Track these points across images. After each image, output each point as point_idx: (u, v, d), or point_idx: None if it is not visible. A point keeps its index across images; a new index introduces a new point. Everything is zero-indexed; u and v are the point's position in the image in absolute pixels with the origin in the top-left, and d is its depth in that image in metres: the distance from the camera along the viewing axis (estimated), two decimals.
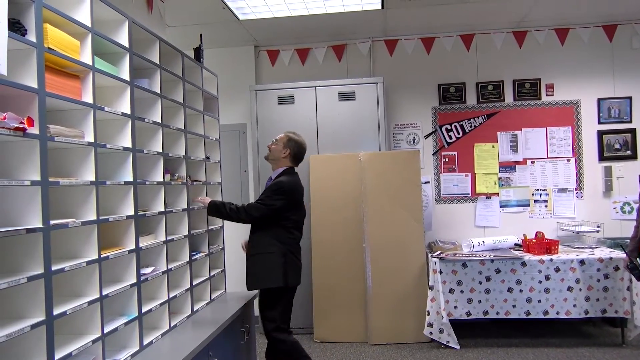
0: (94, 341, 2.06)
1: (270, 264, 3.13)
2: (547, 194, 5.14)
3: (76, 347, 1.95)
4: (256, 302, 3.40)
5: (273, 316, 3.15)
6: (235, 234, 4.06)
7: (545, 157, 5.14)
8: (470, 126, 5.22)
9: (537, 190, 5.15)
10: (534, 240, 4.42)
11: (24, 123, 1.70)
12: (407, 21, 4.89)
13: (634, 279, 3.98)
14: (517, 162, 5.17)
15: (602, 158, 5.08)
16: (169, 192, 2.96)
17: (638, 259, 3.41)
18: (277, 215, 3.13)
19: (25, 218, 1.77)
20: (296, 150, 3.30)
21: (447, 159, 5.25)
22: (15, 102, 1.77)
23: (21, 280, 1.67)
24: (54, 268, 1.84)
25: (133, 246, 2.41)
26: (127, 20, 2.46)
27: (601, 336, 4.42)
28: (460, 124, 5.23)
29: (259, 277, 3.16)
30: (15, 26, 1.73)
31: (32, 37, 1.79)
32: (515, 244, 4.57)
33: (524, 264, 4.16)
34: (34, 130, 1.77)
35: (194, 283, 3.13)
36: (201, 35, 3.84)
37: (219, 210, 3.14)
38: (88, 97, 2.14)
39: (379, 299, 4.42)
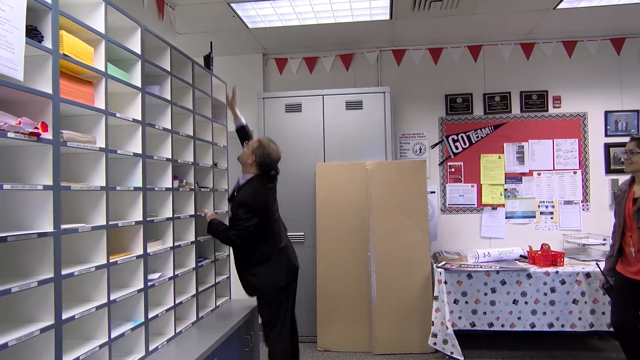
0: (100, 346, 2.07)
1: (259, 272, 3.09)
2: (553, 206, 5.12)
3: (83, 351, 1.96)
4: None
5: (267, 320, 3.13)
6: None
7: (552, 169, 5.14)
8: (477, 137, 5.22)
9: (543, 202, 5.14)
10: (539, 252, 4.41)
11: (38, 128, 1.72)
12: (415, 32, 4.91)
13: None
14: (524, 174, 5.16)
15: (608, 171, 5.07)
16: (177, 198, 2.98)
17: (614, 278, 3.35)
18: (256, 232, 3.04)
19: (37, 222, 1.79)
20: (262, 159, 3.08)
21: (453, 169, 5.25)
22: (30, 107, 1.80)
23: (32, 284, 1.69)
24: (63, 272, 1.85)
25: (141, 252, 2.42)
26: (139, 28, 2.49)
27: (606, 350, 4.38)
28: (466, 134, 5.24)
29: (254, 285, 3.14)
30: (32, 33, 1.76)
31: (48, 43, 1.82)
32: (520, 256, 4.56)
33: (529, 275, 4.15)
34: (48, 135, 1.79)
35: (199, 289, 3.13)
36: (211, 43, 3.87)
37: (215, 233, 3.12)
38: (100, 103, 2.17)
39: (384, 308, 4.41)
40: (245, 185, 3.11)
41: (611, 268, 3.35)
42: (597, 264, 3.61)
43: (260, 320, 3.23)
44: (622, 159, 3.37)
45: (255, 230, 3.02)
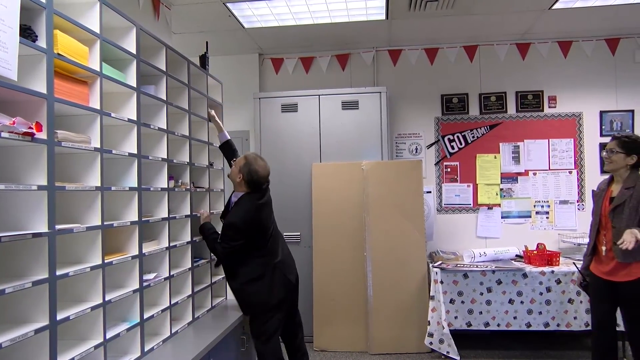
0: (96, 347, 2.06)
1: (253, 291, 3.06)
2: (549, 206, 5.14)
3: (78, 352, 1.95)
4: None
5: (255, 333, 3.12)
6: None
7: (547, 168, 5.15)
8: (473, 137, 5.23)
9: (539, 201, 5.15)
10: (535, 252, 4.42)
11: (32, 128, 1.71)
12: (411, 32, 4.92)
13: None
14: (519, 174, 5.18)
15: (604, 171, 5.04)
16: (173, 198, 2.97)
17: (589, 277, 3.31)
18: (244, 250, 3.03)
19: (31, 222, 1.78)
20: (249, 177, 3.05)
21: (449, 169, 5.26)
22: (24, 107, 1.79)
23: (26, 284, 1.68)
24: (58, 273, 1.84)
25: (136, 252, 2.42)
26: (134, 27, 2.48)
27: None
28: (462, 134, 5.25)
29: (249, 304, 3.12)
30: (27, 32, 1.75)
31: (42, 43, 1.81)
32: (516, 255, 4.56)
33: (525, 275, 4.15)
34: (42, 135, 1.78)
35: (195, 290, 3.13)
36: (207, 42, 3.86)
37: (205, 238, 3.11)
38: (95, 103, 2.16)
39: (380, 308, 4.41)
40: (235, 205, 3.09)
41: (587, 266, 3.33)
42: (574, 262, 3.60)
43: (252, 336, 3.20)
44: (603, 157, 3.36)
45: (245, 248, 3.01)
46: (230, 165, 3.38)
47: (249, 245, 3.03)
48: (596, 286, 3.25)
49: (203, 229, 3.12)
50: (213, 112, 3.51)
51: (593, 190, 3.64)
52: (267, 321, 3.06)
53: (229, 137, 3.55)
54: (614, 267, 3.09)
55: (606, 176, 3.36)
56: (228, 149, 3.52)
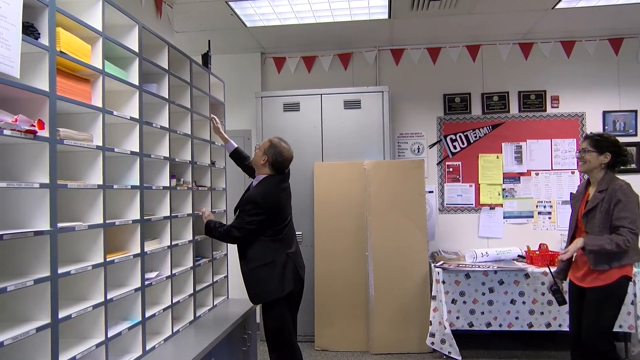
0: (97, 345, 2.06)
1: (263, 277, 2.98)
2: (551, 206, 5.13)
3: (80, 351, 1.95)
4: (259, 308, 3.36)
5: (271, 327, 3.04)
6: None
7: (550, 168, 5.14)
8: (475, 137, 5.22)
9: (541, 201, 5.14)
10: (537, 252, 4.41)
11: (34, 126, 1.71)
12: (414, 31, 4.91)
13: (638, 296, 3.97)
14: (522, 174, 5.17)
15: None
16: (175, 197, 2.97)
17: (564, 281, 3.25)
18: (260, 230, 2.98)
19: (33, 220, 1.78)
20: (274, 159, 3.05)
21: (451, 169, 5.25)
22: (26, 104, 1.78)
23: (28, 282, 1.68)
24: (60, 271, 1.84)
25: (138, 250, 2.41)
26: (137, 25, 2.48)
27: None
28: (465, 134, 5.24)
29: (258, 292, 3.03)
30: (29, 30, 1.75)
31: (44, 40, 1.80)
32: (518, 256, 4.56)
33: (527, 275, 4.15)
34: (44, 133, 1.78)
35: (197, 289, 3.12)
36: (209, 41, 3.86)
37: (211, 232, 3.09)
38: (97, 101, 2.15)
39: (381, 308, 4.40)
40: (257, 185, 3.09)
41: (561, 270, 3.26)
42: (548, 266, 3.46)
43: (264, 328, 3.11)
44: (577, 158, 3.31)
45: (261, 228, 2.96)
46: (244, 168, 3.44)
47: (267, 225, 2.97)
48: (571, 292, 3.20)
49: (209, 225, 3.09)
50: (218, 125, 3.44)
51: (571, 193, 3.59)
52: (283, 312, 3.00)
53: (237, 145, 3.52)
54: (584, 272, 3.02)
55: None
56: (238, 156, 3.49)
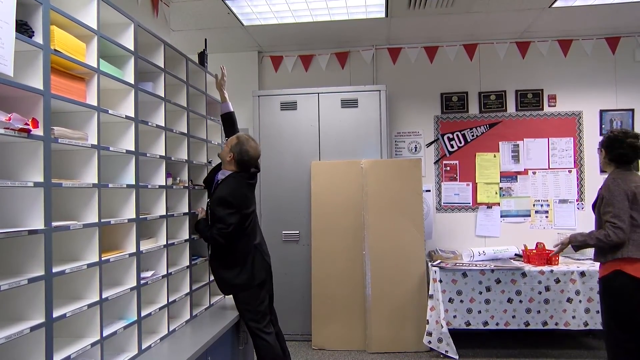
0: (92, 344, 2.05)
1: (231, 270, 3.09)
2: (548, 205, 5.13)
3: (75, 350, 1.94)
4: None
5: (250, 316, 3.14)
6: None
7: (547, 167, 5.14)
8: (472, 135, 5.22)
9: (538, 200, 5.14)
10: (534, 251, 4.41)
11: (28, 124, 1.70)
12: (411, 30, 4.91)
13: None
14: (519, 172, 5.17)
15: (603, 170, 5.06)
16: (171, 196, 2.96)
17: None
18: (237, 230, 3.03)
19: (28, 219, 1.77)
20: (240, 157, 3.06)
21: (448, 168, 5.25)
22: (20, 103, 1.78)
23: (22, 281, 1.67)
24: (54, 270, 1.83)
25: (134, 249, 2.40)
26: (132, 24, 2.47)
27: (601, 348, 4.38)
28: (462, 133, 5.24)
29: (228, 284, 3.14)
30: (23, 28, 1.74)
31: (38, 38, 1.79)
32: (515, 254, 4.56)
33: (524, 274, 4.15)
34: (38, 131, 1.77)
35: (193, 288, 3.12)
36: (206, 40, 3.85)
37: (199, 231, 3.11)
38: (92, 100, 2.14)
39: (379, 307, 4.40)
40: (223, 182, 3.08)
41: (581, 244, 3.31)
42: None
43: (243, 321, 3.22)
44: None
45: (238, 227, 3.01)
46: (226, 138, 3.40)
47: (237, 224, 3.01)
48: None
49: (199, 223, 3.12)
50: (224, 79, 3.43)
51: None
52: (258, 303, 3.12)
53: (232, 110, 3.48)
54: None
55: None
56: (228, 121, 3.47)
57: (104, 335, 2.13)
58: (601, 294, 3.12)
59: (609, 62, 5.10)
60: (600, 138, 4.96)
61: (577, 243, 3.18)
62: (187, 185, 3.10)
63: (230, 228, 2.96)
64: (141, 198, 2.53)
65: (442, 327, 4.10)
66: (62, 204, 2.09)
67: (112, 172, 2.41)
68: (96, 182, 2.12)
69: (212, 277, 3.47)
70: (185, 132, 3.08)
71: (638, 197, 2.96)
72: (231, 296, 3.28)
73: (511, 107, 5.21)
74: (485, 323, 4.17)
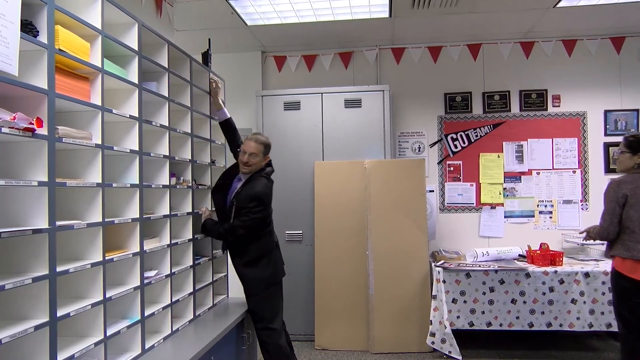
0: (96, 344, 2.05)
1: (260, 268, 3.17)
2: (552, 205, 5.12)
3: (78, 349, 1.94)
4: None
5: (262, 315, 3.19)
6: None
7: (551, 168, 5.13)
8: (476, 136, 5.21)
9: (542, 201, 5.13)
10: (538, 252, 4.40)
11: (33, 124, 1.70)
12: (415, 30, 4.90)
13: None
14: (523, 173, 5.16)
15: (607, 170, 5.06)
16: (174, 195, 2.96)
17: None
18: (258, 226, 3.14)
19: (32, 218, 1.77)
20: (268, 152, 3.27)
21: (452, 168, 5.24)
22: (25, 102, 1.78)
23: (26, 281, 1.67)
24: (58, 269, 1.83)
25: (137, 249, 2.41)
26: (137, 24, 2.47)
27: (605, 350, 4.38)
28: (465, 133, 5.23)
29: (255, 282, 3.18)
30: (28, 27, 1.74)
31: (43, 38, 1.80)
32: (519, 255, 4.55)
33: (528, 275, 4.14)
34: (43, 131, 1.77)
35: (196, 287, 3.12)
36: (209, 39, 3.85)
37: (209, 231, 3.17)
38: (97, 99, 2.15)
39: (382, 307, 4.40)
40: (254, 180, 3.15)
41: (595, 237, 3.44)
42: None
43: (251, 314, 3.26)
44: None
45: (260, 223, 3.11)
46: (232, 144, 3.44)
47: (263, 220, 3.14)
48: None
49: (206, 225, 3.15)
50: (219, 85, 3.43)
51: None
52: (273, 300, 3.21)
53: (229, 116, 3.49)
54: None
55: (613, 175, 3.44)
56: (229, 128, 3.48)
57: (108, 334, 2.13)
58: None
59: (613, 62, 5.08)
60: (605, 139, 5.03)
61: (592, 235, 3.37)
62: (190, 185, 3.10)
63: (254, 222, 3.06)
64: (145, 198, 2.53)
65: (446, 327, 4.09)
66: (66, 204, 2.09)
67: (116, 171, 2.41)
68: (100, 181, 2.13)
69: (215, 277, 3.48)
70: (189, 131, 3.09)
71: (630, 200, 3.07)
72: (232, 297, 3.30)
73: (515, 107, 5.20)
74: (489, 324, 4.15)
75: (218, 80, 3.44)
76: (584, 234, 3.47)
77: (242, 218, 3.05)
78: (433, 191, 5.18)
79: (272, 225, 3.31)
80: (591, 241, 3.56)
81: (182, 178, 3.06)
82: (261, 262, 3.17)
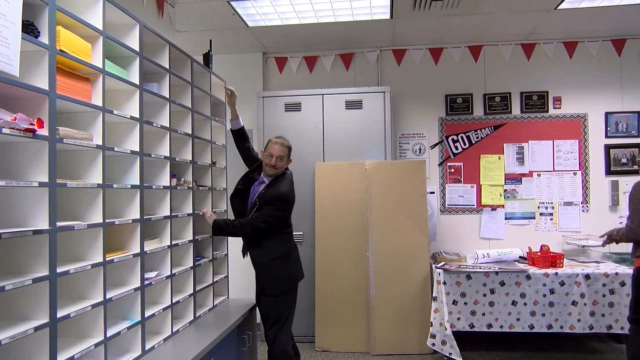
0: (96, 345, 2.05)
1: (283, 267, 3.20)
2: (553, 207, 5.11)
3: (79, 350, 1.95)
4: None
5: (279, 316, 3.18)
6: (239, 240, 4.04)
7: (552, 169, 5.12)
8: (477, 137, 5.21)
9: (543, 203, 5.12)
10: (539, 254, 4.39)
11: (34, 124, 1.70)
12: (416, 31, 4.90)
13: None
14: (523, 175, 5.15)
15: (608, 172, 5.05)
16: (175, 196, 2.96)
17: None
18: (277, 224, 3.18)
19: (32, 219, 1.77)
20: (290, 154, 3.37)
21: (452, 170, 5.24)
22: (26, 103, 1.78)
23: (26, 281, 1.67)
24: (59, 270, 1.83)
25: (138, 250, 2.41)
26: (138, 25, 2.47)
27: (606, 352, 4.37)
28: (466, 134, 5.22)
29: (277, 281, 3.19)
30: (29, 28, 1.74)
31: (44, 39, 1.80)
32: (520, 257, 4.54)
33: (528, 277, 4.13)
34: (44, 131, 1.77)
35: (197, 288, 3.12)
36: (211, 41, 3.85)
37: (222, 230, 3.19)
38: (98, 100, 2.15)
39: (382, 308, 4.39)
40: (276, 183, 3.21)
41: (619, 239, 3.49)
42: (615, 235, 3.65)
43: (263, 317, 3.23)
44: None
45: (283, 223, 3.21)
46: (243, 150, 3.50)
47: (285, 219, 3.23)
48: None
49: (217, 224, 3.17)
50: (235, 94, 3.45)
51: None
52: (290, 301, 3.23)
53: (242, 125, 3.53)
54: None
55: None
56: (242, 136, 3.52)
57: (108, 335, 2.13)
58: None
59: (614, 64, 5.08)
60: (606, 140, 5.02)
61: (615, 237, 3.45)
62: (191, 186, 3.10)
63: (275, 219, 3.12)
64: (145, 199, 2.53)
65: (446, 329, 4.08)
66: (67, 204, 2.09)
67: (116, 172, 2.41)
68: (101, 182, 2.13)
69: (216, 278, 3.48)
70: (190, 132, 3.09)
71: None
72: (233, 298, 3.30)
73: (516, 109, 5.19)
74: (490, 325, 4.15)
75: (233, 89, 3.44)
76: (605, 238, 3.51)
77: (264, 213, 3.11)
78: (434, 192, 5.18)
79: (292, 228, 3.35)
80: (614, 244, 3.57)
81: (182, 179, 3.06)
82: (283, 261, 3.21)
